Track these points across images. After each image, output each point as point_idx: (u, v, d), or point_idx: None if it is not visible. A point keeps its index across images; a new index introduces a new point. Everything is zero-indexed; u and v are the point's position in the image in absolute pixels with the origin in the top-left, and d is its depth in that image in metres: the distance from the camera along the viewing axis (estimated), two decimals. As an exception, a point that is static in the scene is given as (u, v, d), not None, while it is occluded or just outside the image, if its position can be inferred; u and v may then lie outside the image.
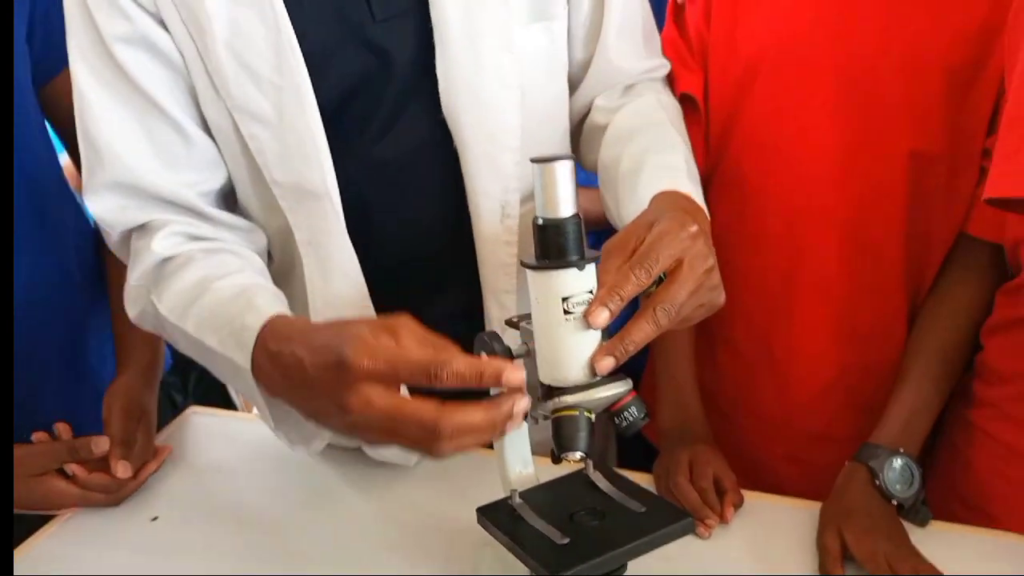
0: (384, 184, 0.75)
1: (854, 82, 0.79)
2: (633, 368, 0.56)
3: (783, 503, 0.79)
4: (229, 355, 0.62)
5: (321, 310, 0.75)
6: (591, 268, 0.54)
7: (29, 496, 0.80)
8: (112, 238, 0.76)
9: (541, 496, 0.64)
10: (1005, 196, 0.63)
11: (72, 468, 0.81)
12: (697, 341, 0.93)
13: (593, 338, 0.54)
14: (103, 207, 0.73)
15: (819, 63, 0.80)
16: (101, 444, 0.81)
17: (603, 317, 0.53)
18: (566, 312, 0.54)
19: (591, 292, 0.54)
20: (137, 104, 0.70)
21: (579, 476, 0.67)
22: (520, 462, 0.66)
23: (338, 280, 0.74)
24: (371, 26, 0.71)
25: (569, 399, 0.55)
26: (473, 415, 0.51)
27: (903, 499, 0.74)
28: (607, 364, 0.53)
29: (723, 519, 0.76)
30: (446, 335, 0.54)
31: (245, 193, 0.76)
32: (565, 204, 0.54)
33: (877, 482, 0.74)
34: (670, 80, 0.87)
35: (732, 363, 0.93)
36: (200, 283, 0.69)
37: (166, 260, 0.72)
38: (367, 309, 0.75)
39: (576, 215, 0.54)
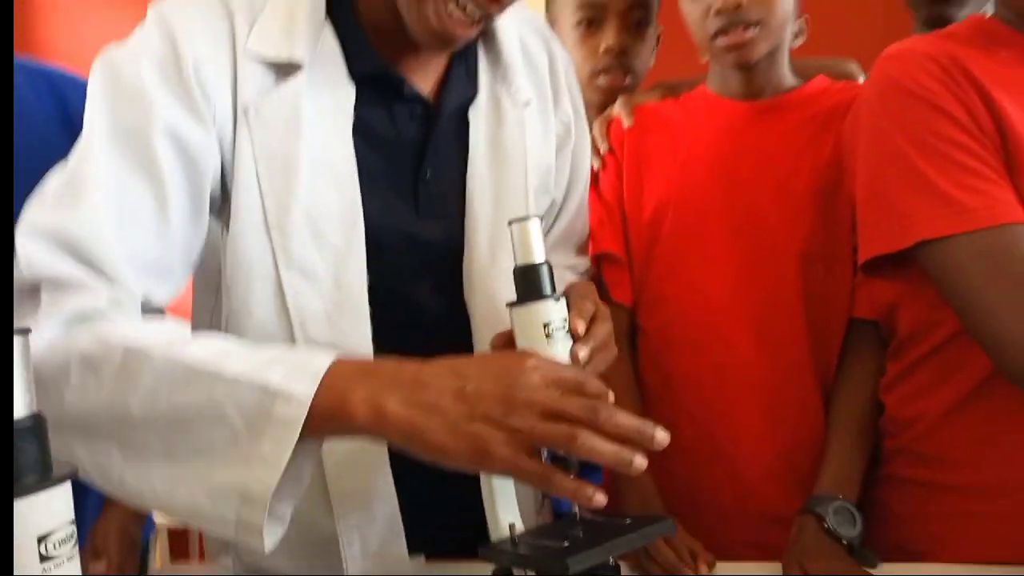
0: (400, 346, 0.74)
1: (741, 213, 1.00)
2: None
3: (750, 566, 0.86)
4: (272, 383, 0.58)
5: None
6: (563, 300, 0.68)
7: None
8: (24, 274, 0.66)
9: (537, 531, 0.70)
10: (873, 255, 0.81)
11: None
12: (650, 451, 1.02)
13: (567, 346, 0.68)
14: (38, 248, 0.66)
15: (712, 202, 1.01)
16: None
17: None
18: (548, 336, 0.67)
19: (564, 319, 0.68)
20: (140, 181, 0.70)
21: (568, 517, 0.73)
22: (511, 515, 0.72)
23: None
24: (415, 221, 0.84)
25: None
26: (627, 420, 0.57)
27: (850, 538, 0.83)
28: (585, 352, 0.67)
29: (698, 576, 0.82)
30: None
31: (238, 328, 0.78)
32: (538, 253, 0.69)
33: (825, 525, 0.83)
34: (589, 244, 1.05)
35: (683, 463, 1.01)
36: (185, 329, 0.69)
37: (108, 317, 0.66)
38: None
39: (547, 262, 0.69)
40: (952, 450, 0.86)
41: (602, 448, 0.56)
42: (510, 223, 0.70)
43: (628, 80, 1.18)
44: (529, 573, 0.68)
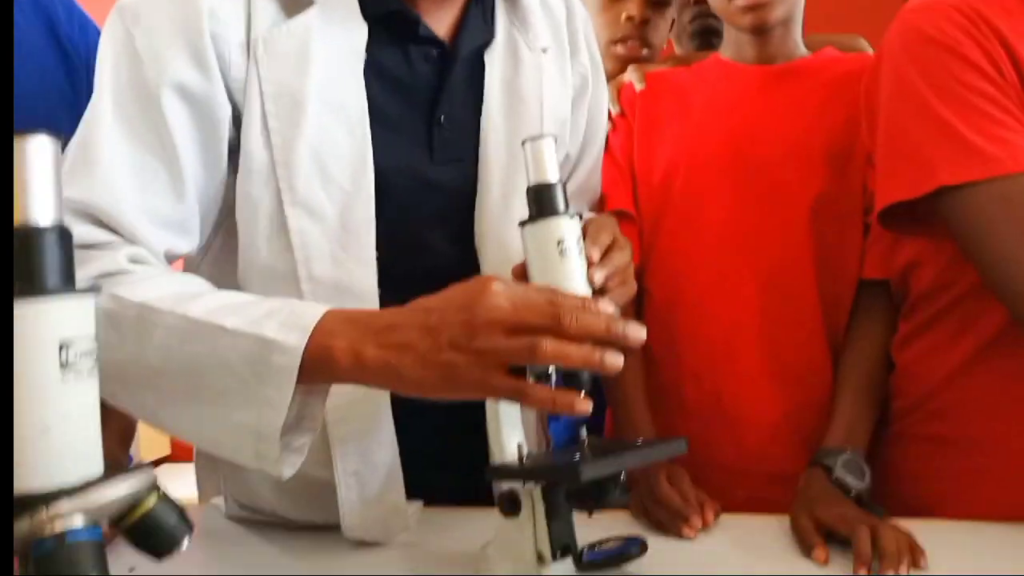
0: (410, 292, 0.77)
1: (754, 171, 1.00)
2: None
3: (756, 519, 0.84)
4: (268, 335, 0.61)
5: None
6: (577, 220, 0.68)
7: None
8: None
9: (544, 454, 0.70)
10: (894, 201, 0.81)
11: None
12: (653, 409, 1.02)
13: (582, 267, 0.67)
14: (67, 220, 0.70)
15: (724, 161, 1.01)
16: None
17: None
18: (561, 253, 0.66)
19: (579, 238, 0.67)
20: (152, 151, 0.72)
21: (576, 442, 0.72)
22: (516, 438, 0.71)
23: None
24: (429, 165, 0.83)
25: None
26: (593, 318, 0.57)
27: (858, 490, 0.82)
28: (600, 275, 0.66)
29: (705, 522, 0.81)
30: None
31: (246, 275, 0.79)
32: (551, 171, 0.69)
33: (833, 476, 0.82)
34: (602, 203, 1.06)
35: (687, 423, 1.01)
36: (195, 283, 0.70)
37: (129, 272, 0.69)
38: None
39: (561, 181, 0.69)
40: (964, 405, 0.85)
41: (567, 351, 0.56)
42: (524, 142, 0.70)
43: (645, 52, 1.20)
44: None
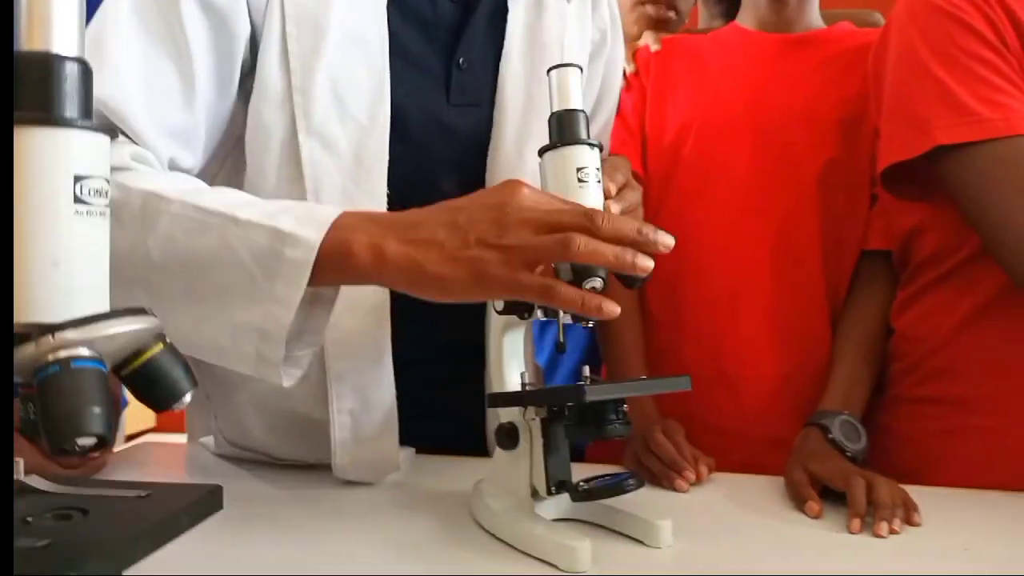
0: None
1: (768, 134, 1.00)
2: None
3: (751, 477, 0.84)
4: (283, 228, 0.59)
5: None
6: (597, 150, 0.67)
7: None
8: None
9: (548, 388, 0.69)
10: (893, 162, 0.82)
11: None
12: (651, 370, 1.01)
13: (600, 197, 0.65)
14: None
15: (737, 123, 1.01)
16: None
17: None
18: (580, 181, 0.65)
19: (598, 169, 0.66)
20: (166, 54, 0.70)
21: (580, 380, 0.71)
22: (518, 368, 0.71)
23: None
24: (445, 107, 0.82)
25: None
26: (626, 221, 0.57)
27: (854, 451, 0.82)
28: (617, 207, 0.67)
29: (698, 476, 0.80)
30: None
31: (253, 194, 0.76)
32: (576, 100, 0.67)
33: (830, 436, 0.82)
34: None
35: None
36: (201, 183, 0.68)
37: (131, 169, 0.67)
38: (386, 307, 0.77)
39: (584, 110, 0.68)
40: (961, 365, 0.86)
41: (603, 249, 0.55)
42: (549, 70, 0.68)
43: (672, 16, 1.19)
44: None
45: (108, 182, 0.36)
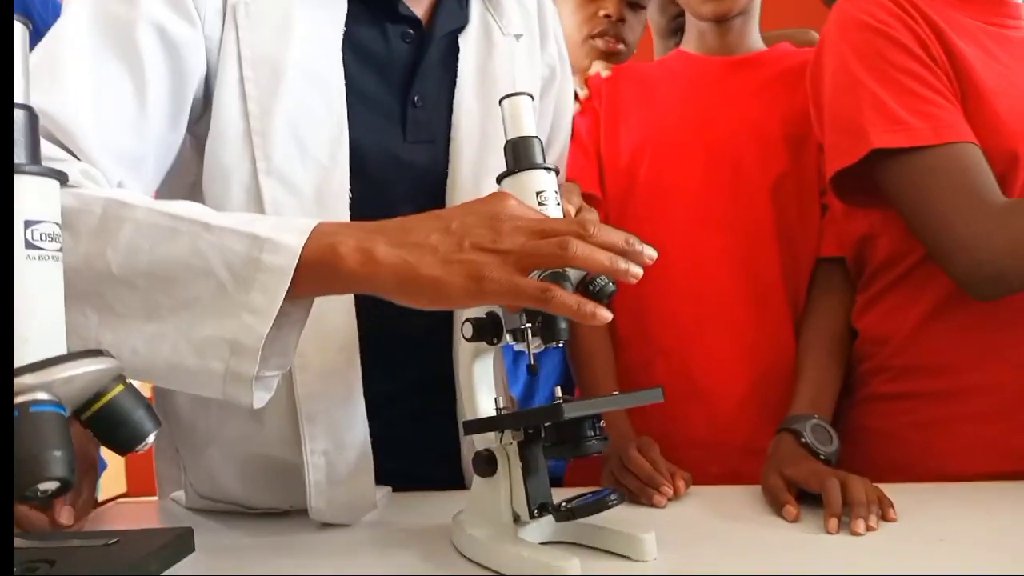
0: None
1: (718, 153, 1.03)
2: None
3: (728, 488, 0.84)
4: (261, 234, 0.57)
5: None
6: (553, 174, 0.68)
7: None
8: None
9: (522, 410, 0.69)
10: (837, 169, 0.86)
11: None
12: (623, 387, 1.02)
13: (561, 215, 0.66)
14: None
15: (689, 144, 1.04)
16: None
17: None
18: (540, 204, 0.66)
19: (556, 192, 0.67)
20: (120, 76, 0.68)
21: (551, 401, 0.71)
22: (491, 395, 0.70)
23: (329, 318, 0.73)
24: (401, 144, 0.83)
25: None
26: (613, 233, 0.57)
27: (827, 454, 0.83)
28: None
29: (676, 491, 0.80)
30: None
31: None
32: (529, 127, 0.69)
33: (803, 440, 0.83)
34: None
35: (659, 403, 1.02)
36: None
37: (87, 186, 0.64)
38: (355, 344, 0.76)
39: (538, 137, 0.69)
40: (928, 358, 0.88)
41: (599, 255, 0.55)
42: (502, 100, 0.70)
43: (621, 48, 1.23)
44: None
45: (59, 227, 0.36)
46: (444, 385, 0.84)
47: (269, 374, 0.61)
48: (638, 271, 0.57)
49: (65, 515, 0.72)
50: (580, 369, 1.01)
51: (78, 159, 0.66)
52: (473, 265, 0.55)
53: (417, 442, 0.86)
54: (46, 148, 0.63)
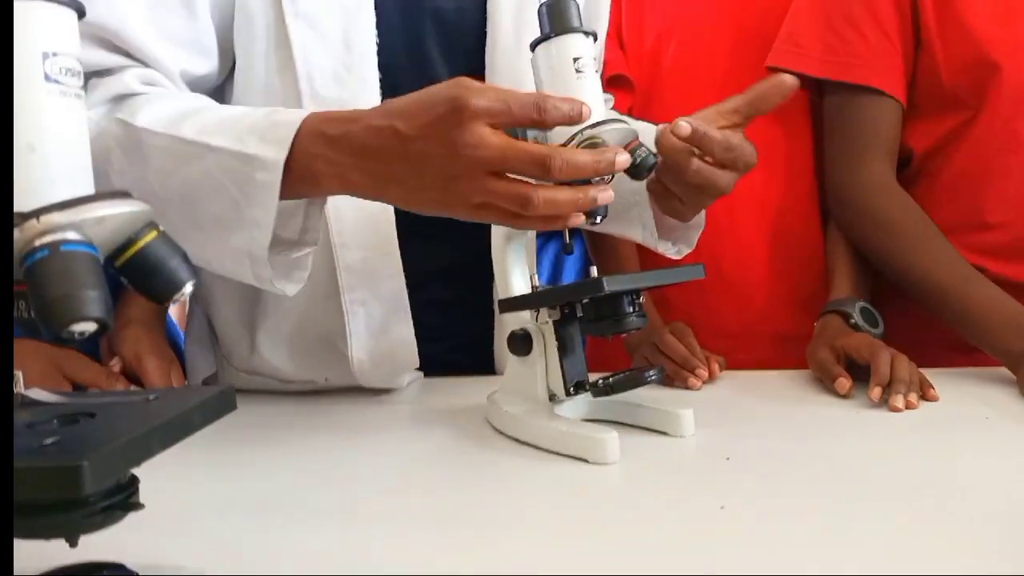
0: None
1: (750, 35, 0.97)
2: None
3: (762, 372, 0.84)
4: (250, 151, 0.59)
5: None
6: (592, 39, 0.63)
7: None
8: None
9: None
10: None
11: None
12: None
13: (597, 86, 0.62)
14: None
15: (719, 25, 0.98)
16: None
17: (684, 129, 0.62)
18: (577, 72, 0.62)
19: (595, 59, 0.63)
20: None
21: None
22: (527, 272, 0.69)
23: None
24: None
25: (591, 131, 0.59)
26: (581, 156, 0.54)
27: (875, 335, 0.81)
28: (684, 128, 0.62)
29: (711, 374, 0.79)
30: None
31: (244, 101, 0.75)
32: (568, -10, 0.64)
33: (851, 321, 0.82)
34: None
35: (687, 294, 1.00)
36: (196, 102, 0.67)
37: (138, 94, 0.68)
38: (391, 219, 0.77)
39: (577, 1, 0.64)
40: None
41: (560, 200, 0.54)
42: (536, -37, 0.65)
43: None
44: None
45: (80, 63, 0.33)
46: (477, 273, 0.83)
47: (300, 254, 0.65)
48: (607, 196, 0.56)
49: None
50: (605, 260, 0.99)
51: (134, 64, 0.69)
52: (438, 203, 0.56)
53: (449, 329, 0.86)
54: (102, 58, 0.68)
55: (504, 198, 0.54)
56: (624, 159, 0.57)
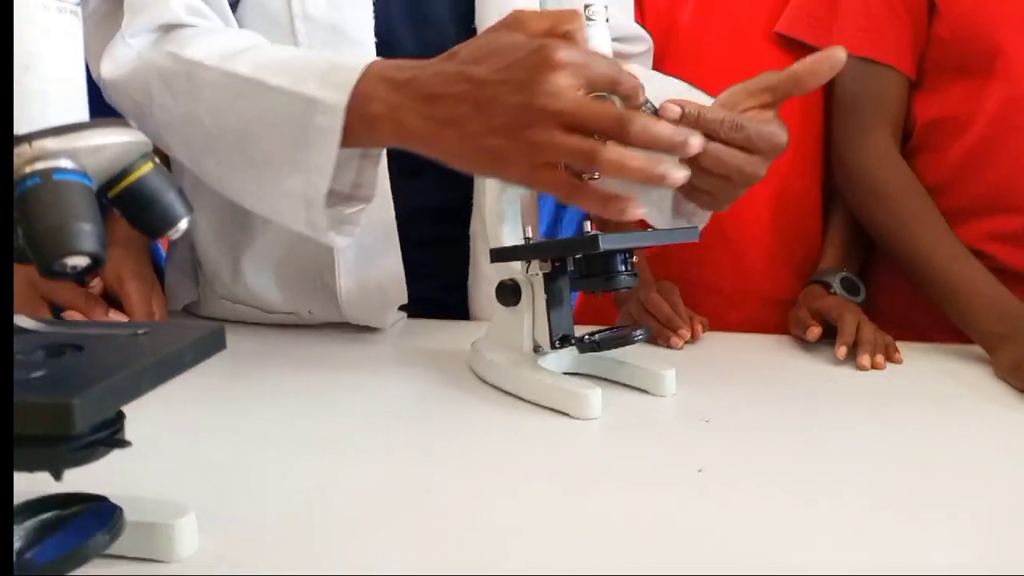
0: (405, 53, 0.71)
1: (762, 6, 0.96)
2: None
3: (747, 335, 0.85)
4: (310, 93, 0.57)
5: None
6: (604, -14, 0.61)
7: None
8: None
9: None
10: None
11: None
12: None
13: (607, 35, 0.60)
14: None
15: None
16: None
17: (674, 112, 0.57)
18: (588, 19, 0.60)
19: (607, 7, 0.61)
20: None
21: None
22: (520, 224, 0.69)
23: None
24: None
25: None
26: (662, 127, 0.50)
27: (855, 303, 0.82)
28: (674, 111, 0.57)
29: (694, 334, 0.80)
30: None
31: (252, 21, 0.73)
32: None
33: (832, 291, 0.83)
34: None
35: (686, 250, 0.99)
36: (249, 39, 0.66)
37: (186, 25, 0.67)
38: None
39: None
40: None
41: (630, 164, 0.50)
42: None
43: None
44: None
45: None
46: (461, 213, 0.83)
47: (352, 210, 0.64)
48: (676, 175, 0.51)
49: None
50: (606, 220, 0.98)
51: None
52: (496, 153, 0.52)
53: (431, 267, 0.86)
54: None
55: (570, 152, 0.50)
56: (698, 142, 0.52)
